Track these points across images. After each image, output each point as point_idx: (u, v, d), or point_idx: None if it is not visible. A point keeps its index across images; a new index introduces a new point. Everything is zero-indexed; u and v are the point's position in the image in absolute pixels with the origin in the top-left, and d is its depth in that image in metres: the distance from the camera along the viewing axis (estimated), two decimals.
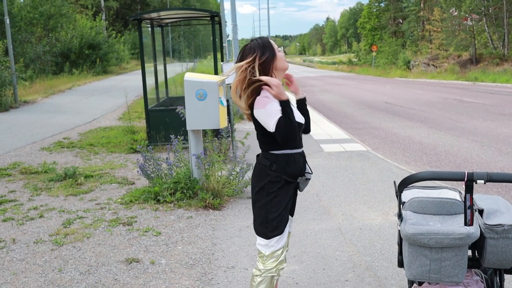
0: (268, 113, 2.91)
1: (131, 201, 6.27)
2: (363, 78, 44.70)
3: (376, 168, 8.10)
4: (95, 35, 33.59)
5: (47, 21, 33.43)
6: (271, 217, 3.02)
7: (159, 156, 6.95)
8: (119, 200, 6.42)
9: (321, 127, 12.93)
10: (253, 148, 4.47)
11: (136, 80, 16.54)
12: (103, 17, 43.64)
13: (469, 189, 2.54)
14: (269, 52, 3.04)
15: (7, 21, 17.28)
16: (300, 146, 3.09)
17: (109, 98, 20.02)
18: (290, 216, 3.26)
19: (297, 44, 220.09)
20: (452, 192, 3.39)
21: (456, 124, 13.14)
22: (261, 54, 3.03)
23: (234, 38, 14.95)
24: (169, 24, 12.90)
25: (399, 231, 2.96)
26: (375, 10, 68.92)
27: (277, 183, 3.01)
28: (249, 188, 6.65)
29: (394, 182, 3.52)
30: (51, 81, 25.28)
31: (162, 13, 9.61)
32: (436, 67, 41.68)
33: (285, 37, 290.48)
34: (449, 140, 10.91)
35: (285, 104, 2.93)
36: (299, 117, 3.06)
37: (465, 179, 2.52)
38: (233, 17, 14.83)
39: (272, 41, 3.09)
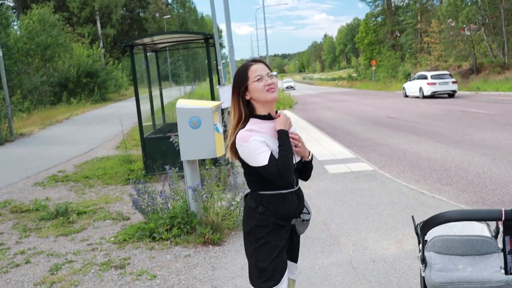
0: (253, 148, 2.53)
1: (124, 239, 5.83)
2: (363, 93, 44.41)
3: (385, 189, 7.66)
4: (92, 63, 33.42)
5: (44, 52, 33.35)
6: (262, 266, 2.62)
7: (155, 188, 6.54)
8: (112, 239, 5.99)
9: (324, 147, 12.51)
10: None
11: (135, 107, 16.13)
12: (101, 45, 43.65)
13: (509, 230, 2.11)
14: (239, 80, 2.67)
15: (0, 53, 16.99)
16: (294, 184, 2.69)
17: (107, 126, 19.68)
18: (293, 263, 2.84)
19: (296, 62, 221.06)
20: (479, 226, 2.97)
21: (464, 137, 12.71)
22: (235, 86, 2.70)
23: (231, 59, 14.59)
24: (166, 48, 12.61)
25: (422, 277, 2.53)
26: (372, 24, 68.93)
27: (265, 227, 2.62)
28: None
29: (413, 217, 3.10)
30: (48, 111, 24.99)
31: (155, 37, 9.29)
32: None
33: (284, 56, 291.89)
34: (458, 154, 10.48)
35: (283, 134, 2.57)
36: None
37: (503, 218, 2.10)
38: (229, 38, 14.48)
39: (256, 65, 2.66)
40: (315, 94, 49.34)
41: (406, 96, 31.22)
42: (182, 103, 5.79)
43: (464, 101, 24.53)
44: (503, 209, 2.12)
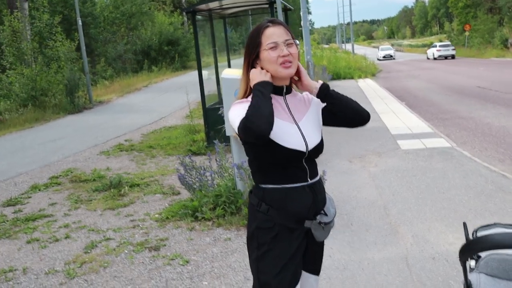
0: (232, 113, 2.07)
1: (167, 217, 5.54)
2: (454, 60, 41.71)
3: (461, 170, 6.82)
4: (174, 31, 33.70)
5: (129, 20, 34.05)
6: (265, 280, 2.11)
7: (210, 162, 6.12)
8: (156, 215, 5.72)
9: (401, 119, 11.61)
10: None
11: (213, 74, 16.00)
12: (184, 12, 43.91)
13: None
14: (250, 45, 2.14)
15: (79, 22, 17.32)
16: (308, 176, 2.14)
17: (183, 94, 19.61)
18: (312, 275, 2.31)
19: (385, 28, 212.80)
20: None
21: None
22: (246, 51, 2.18)
23: (304, 26, 13.94)
24: (234, 15, 12.14)
25: None
26: None
27: (269, 230, 2.10)
28: None
29: (464, 224, 2.45)
30: (130, 79, 25.53)
31: (214, 3, 8.81)
32: None
33: (372, 22, 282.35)
34: None
35: (257, 86, 2.04)
36: (295, 141, 2.10)
37: None
38: (303, 2, 13.80)
39: (272, 28, 2.11)
40: (402, 61, 47.08)
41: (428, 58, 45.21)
42: (228, 73, 5.33)
43: None
44: None
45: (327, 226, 2.19)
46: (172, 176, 7.59)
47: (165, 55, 32.48)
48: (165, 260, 4.45)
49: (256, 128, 1.90)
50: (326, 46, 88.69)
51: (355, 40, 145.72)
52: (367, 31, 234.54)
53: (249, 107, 1.96)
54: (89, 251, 4.78)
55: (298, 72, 2.19)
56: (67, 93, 16.57)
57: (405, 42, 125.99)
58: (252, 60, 2.14)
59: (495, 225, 2.47)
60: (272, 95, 2.10)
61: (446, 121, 11.34)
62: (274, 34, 2.09)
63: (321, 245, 2.32)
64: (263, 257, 2.12)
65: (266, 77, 2.07)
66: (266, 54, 2.09)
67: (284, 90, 2.19)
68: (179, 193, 6.60)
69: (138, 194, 6.73)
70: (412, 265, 4.02)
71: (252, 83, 2.08)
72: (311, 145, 2.13)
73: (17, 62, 16.74)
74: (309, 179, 2.14)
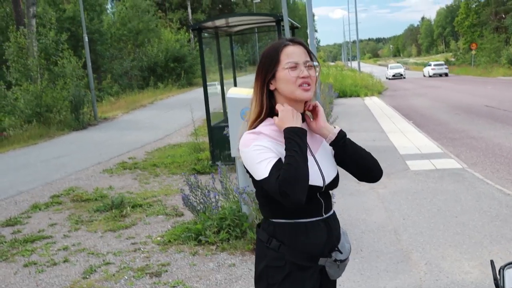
0: (252, 156, 1.84)
1: (169, 241, 5.35)
2: (461, 78, 41.57)
3: (474, 192, 6.61)
4: (180, 48, 33.77)
5: (136, 37, 34.19)
6: None
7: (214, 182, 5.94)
8: (158, 238, 5.53)
9: (409, 139, 11.42)
10: None
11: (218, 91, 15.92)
12: (190, 30, 44.10)
13: None
14: (267, 64, 1.94)
15: (86, 38, 17.33)
16: (323, 211, 1.95)
17: (188, 111, 19.47)
18: None
19: (391, 46, 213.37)
20: None
21: None
22: (257, 72, 1.99)
23: (311, 44, 13.80)
24: (240, 33, 12.06)
25: None
26: (474, 5, 64.40)
27: (280, 269, 1.90)
28: None
29: (492, 262, 2.26)
30: (136, 95, 25.51)
31: (217, 22, 8.71)
32: None
33: (378, 40, 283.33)
34: None
35: (292, 133, 1.82)
36: (313, 175, 1.88)
37: None
38: (310, 20, 13.69)
39: (293, 47, 1.93)
40: (408, 79, 46.96)
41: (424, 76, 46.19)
42: (234, 92, 5.19)
43: None
44: None
45: (342, 264, 2.00)
46: (176, 196, 7.41)
47: (171, 72, 32.52)
48: (166, 287, 4.25)
49: (294, 196, 1.73)
50: (332, 63, 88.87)
51: (361, 58, 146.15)
52: (373, 49, 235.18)
53: (287, 165, 1.76)
54: (87, 277, 4.59)
55: (314, 110, 1.99)
56: (72, 110, 16.51)
57: (411, 60, 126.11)
58: (268, 80, 1.95)
59: None
60: None
61: (455, 140, 11.14)
62: (294, 54, 1.92)
63: (334, 283, 2.12)
64: None
65: (299, 121, 1.88)
66: (284, 74, 1.90)
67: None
68: (182, 215, 6.42)
69: (141, 215, 6.54)
70: None
71: (282, 125, 1.87)
72: (328, 179, 1.96)
73: (22, 78, 16.71)
74: (324, 213, 1.96)
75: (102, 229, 6.03)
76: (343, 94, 25.66)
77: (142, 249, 5.25)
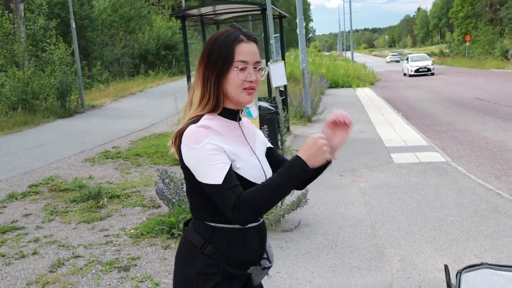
0: (204, 156, 1.68)
1: (142, 233, 5.25)
2: (454, 70, 41.48)
3: (455, 187, 6.53)
4: (172, 36, 33.42)
5: (127, 24, 33.81)
6: None
7: None
8: (131, 231, 5.43)
9: (396, 131, 11.33)
10: None
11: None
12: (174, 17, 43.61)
13: None
14: (224, 53, 1.75)
15: (73, 24, 17.06)
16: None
17: (177, 100, 19.43)
18: None
19: (387, 36, 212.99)
20: None
21: None
22: (204, 59, 1.80)
23: (300, 33, 13.69)
24: (227, 21, 11.89)
25: None
26: None
27: (212, 276, 1.76)
28: (291, 217, 5.44)
29: (446, 267, 2.17)
30: (126, 83, 25.24)
31: (202, 9, 8.55)
32: None
33: (374, 30, 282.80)
34: None
35: (307, 168, 1.65)
36: (258, 174, 1.78)
37: None
38: (299, 10, 13.55)
39: (248, 44, 1.76)
40: (401, 70, 46.82)
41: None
42: None
43: None
44: None
45: (267, 270, 1.91)
46: (155, 187, 7.29)
47: (162, 60, 32.20)
48: (133, 283, 4.15)
49: (246, 217, 1.64)
50: (327, 53, 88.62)
51: (356, 48, 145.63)
52: (369, 39, 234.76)
53: (275, 185, 1.63)
54: (54, 270, 4.47)
55: (345, 126, 1.80)
56: (59, 97, 16.28)
57: (406, 51, 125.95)
58: (223, 72, 1.75)
59: (481, 265, 2.20)
60: (227, 120, 1.82)
61: (442, 133, 11.07)
62: (246, 53, 1.75)
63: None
64: None
65: (318, 144, 1.66)
66: (233, 75, 1.73)
67: (240, 115, 1.90)
68: (159, 206, 6.31)
69: (117, 206, 6.43)
70: None
71: (305, 153, 1.65)
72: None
73: (8, 65, 16.46)
74: (260, 218, 1.84)
75: (76, 221, 5.91)
76: (335, 85, 25.54)
77: (114, 242, 5.15)
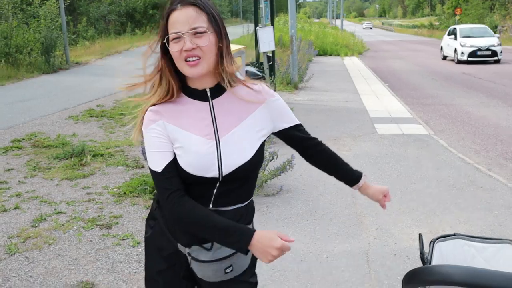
0: (147, 141, 1.69)
1: (125, 193, 5.29)
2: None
3: (436, 160, 6.65)
4: None
5: None
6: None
7: None
8: (114, 189, 5.46)
9: (382, 102, 11.40)
10: None
11: None
12: None
13: None
14: (161, 27, 1.67)
15: None
16: (210, 203, 1.71)
17: None
18: None
19: (377, 6, 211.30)
20: None
21: None
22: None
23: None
24: None
25: None
26: None
27: (147, 240, 1.89)
28: (274, 182, 5.50)
29: (420, 236, 2.24)
30: (112, 41, 24.86)
31: None
32: None
33: None
34: None
35: (245, 241, 1.59)
36: (204, 164, 1.65)
37: None
38: None
39: (177, 13, 1.61)
40: (390, 41, 46.79)
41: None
42: None
43: None
44: None
45: (203, 265, 1.71)
46: (139, 147, 7.29)
47: (150, 19, 31.67)
48: (115, 240, 4.20)
49: (179, 226, 1.70)
50: (317, 20, 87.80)
51: (346, 16, 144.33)
52: (359, 8, 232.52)
53: (209, 228, 1.60)
54: (36, 225, 4.51)
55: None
56: (43, 52, 15.99)
57: (396, 21, 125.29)
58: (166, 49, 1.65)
59: (454, 236, 2.27)
60: (193, 101, 1.70)
61: (426, 106, 11.16)
62: (177, 22, 1.60)
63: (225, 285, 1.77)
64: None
65: (275, 245, 1.56)
66: (171, 47, 1.61)
67: (209, 94, 1.71)
68: (142, 167, 6.33)
69: (100, 165, 6.44)
70: (372, 262, 3.84)
71: (258, 240, 1.57)
72: (229, 168, 1.66)
73: None
74: (211, 205, 1.69)
75: (59, 177, 5.91)
76: (323, 53, 25.45)
77: (96, 199, 5.18)
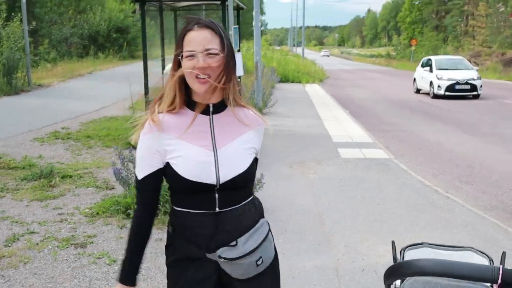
0: (138, 150, 1.87)
1: (97, 213, 5.34)
2: (400, 73, 42.88)
3: (396, 183, 6.97)
4: (124, 19, 32.88)
5: (78, 3, 32.96)
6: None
7: None
8: (86, 210, 5.50)
9: (343, 127, 11.78)
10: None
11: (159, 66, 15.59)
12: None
13: None
14: (177, 46, 1.82)
15: (24, 0, 16.57)
16: (216, 206, 1.84)
17: (128, 84, 19.24)
18: None
19: (336, 35, 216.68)
20: (479, 259, 2.33)
21: (495, 131, 11.78)
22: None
23: (256, 26, 13.91)
24: (184, 8, 11.95)
25: None
26: (417, 2, 66.44)
27: (170, 252, 1.96)
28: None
29: (393, 243, 2.46)
30: (74, 64, 24.68)
31: None
32: (478, 64, 39.56)
33: (324, 28, 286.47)
34: (486, 149, 9.64)
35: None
36: (202, 172, 1.80)
37: (499, 281, 1.44)
38: (256, 2, 13.76)
39: (194, 33, 1.76)
40: (349, 69, 48.04)
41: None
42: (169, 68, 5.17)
43: (503, 91, 23.16)
44: (500, 268, 1.46)
45: (241, 263, 1.82)
46: (108, 169, 7.34)
47: (113, 43, 31.61)
48: (90, 258, 4.26)
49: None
50: (278, 47, 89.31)
51: (307, 44, 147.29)
52: (319, 36, 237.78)
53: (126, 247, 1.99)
54: (9, 245, 4.52)
55: None
56: (5, 73, 15.78)
57: (355, 50, 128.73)
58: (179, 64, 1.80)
59: (422, 244, 2.50)
60: (194, 113, 1.84)
61: (386, 132, 11.60)
62: (193, 41, 1.74)
63: (256, 282, 1.90)
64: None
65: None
66: (184, 63, 1.76)
67: (211, 109, 1.86)
68: (113, 188, 6.39)
69: (70, 186, 6.46)
70: (342, 276, 4.04)
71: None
72: (225, 177, 1.81)
73: None
74: (218, 208, 1.83)
75: (29, 198, 5.91)
76: (285, 79, 25.96)
77: (68, 220, 5.22)
